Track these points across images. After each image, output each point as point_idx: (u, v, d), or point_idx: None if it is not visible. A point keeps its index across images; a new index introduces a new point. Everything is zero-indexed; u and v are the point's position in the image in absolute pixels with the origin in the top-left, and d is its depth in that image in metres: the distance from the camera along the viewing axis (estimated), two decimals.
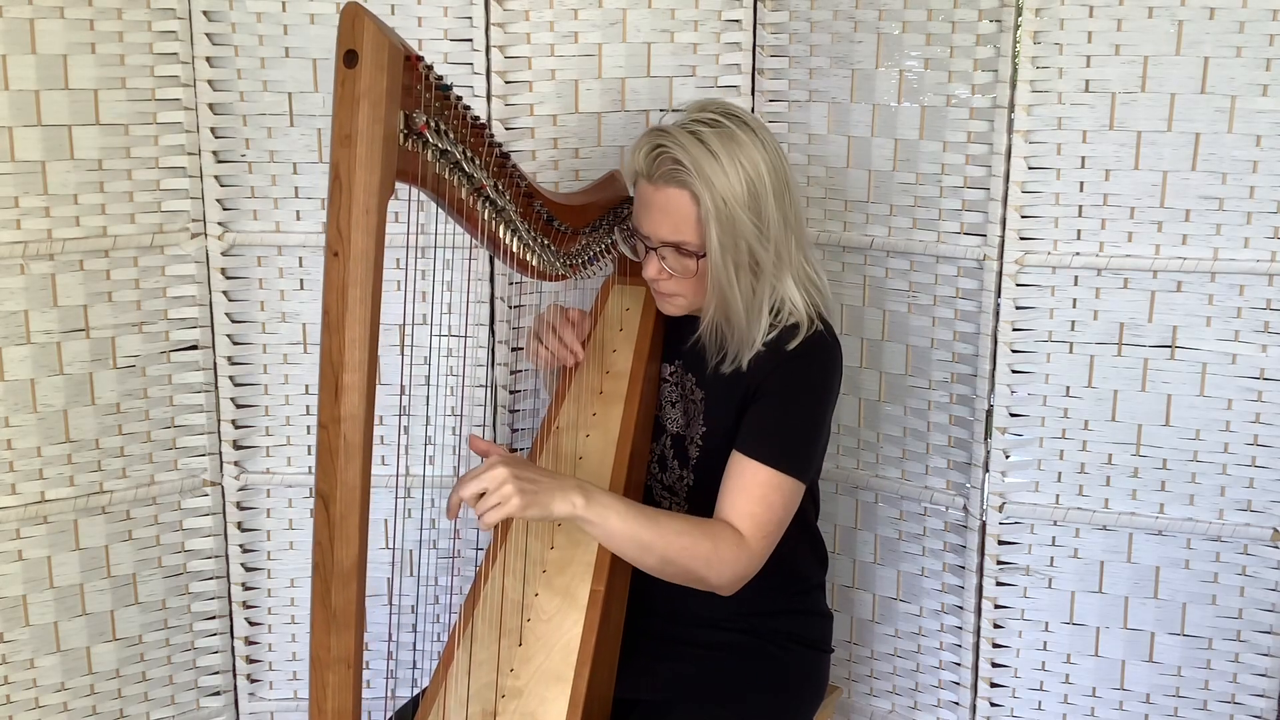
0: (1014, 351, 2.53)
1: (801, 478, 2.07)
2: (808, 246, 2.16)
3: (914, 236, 2.60)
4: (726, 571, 2.00)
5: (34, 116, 2.45)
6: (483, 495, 1.80)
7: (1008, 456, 2.59)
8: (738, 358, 2.11)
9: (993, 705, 2.70)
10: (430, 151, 1.64)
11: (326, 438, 1.53)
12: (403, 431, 2.65)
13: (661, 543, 1.94)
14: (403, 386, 2.64)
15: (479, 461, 1.85)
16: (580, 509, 1.88)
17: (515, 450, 2.72)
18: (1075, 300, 2.50)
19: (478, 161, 1.76)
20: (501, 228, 1.90)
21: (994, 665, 2.69)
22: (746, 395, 2.11)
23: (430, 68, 1.57)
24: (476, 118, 1.73)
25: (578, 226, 2.11)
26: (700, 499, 2.15)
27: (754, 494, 2.03)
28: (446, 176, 1.71)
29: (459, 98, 1.66)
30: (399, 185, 1.59)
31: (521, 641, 1.95)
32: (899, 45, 2.55)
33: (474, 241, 1.90)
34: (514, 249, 1.97)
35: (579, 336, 2.26)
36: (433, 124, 1.61)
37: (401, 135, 1.55)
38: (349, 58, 1.44)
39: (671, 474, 2.25)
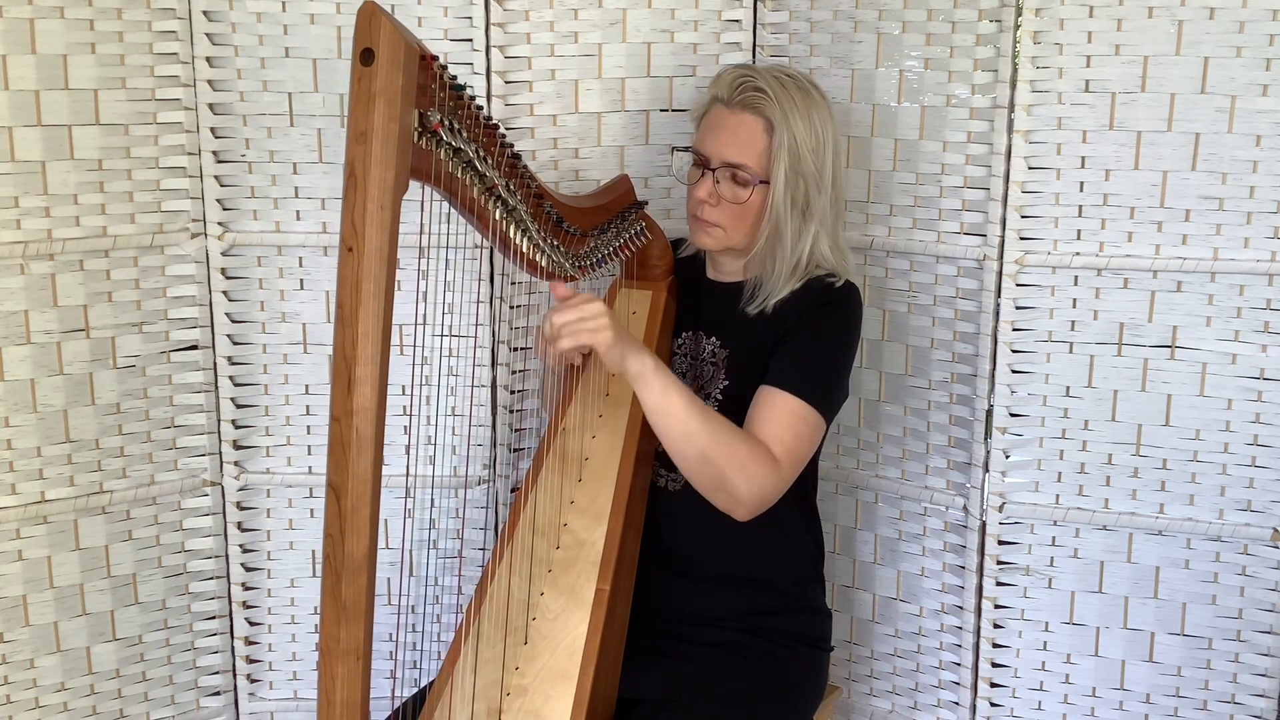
0: (1014, 351, 2.54)
1: (826, 413, 2.13)
2: (843, 224, 2.27)
3: (914, 236, 2.61)
4: (755, 485, 2.04)
5: (34, 116, 2.44)
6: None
7: (1008, 456, 2.59)
8: (765, 300, 2.19)
9: (993, 705, 2.70)
10: (444, 150, 1.65)
11: (339, 430, 1.53)
12: (404, 431, 2.65)
13: (707, 435, 2.00)
14: (403, 387, 2.63)
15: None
16: (650, 370, 1.98)
17: (517, 450, 2.72)
18: (1075, 300, 2.50)
19: (490, 161, 1.77)
20: (512, 228, 1.91)
21: (994, 665, 2.69)
22: (776, 338, 2.17)
23: (444, 67, 1.58)
24: (489, 118, 1.74)
25: (586, 229, 2.12)
26: None
27: (784, 421, 2.08)
28: (459, 175, 1.72)
29: (472, 97, 1.67)
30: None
31: (527, 640, 1.96)
32: (899, 45, 2.56)
33: (475, 241, 1.91)
34: (524, 249, 1.97)
35: None
36: (446, 123, 1.62)
37: (416, 133, 1.56)
38: (365, 56, 1.45)
39: None
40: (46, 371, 2.53)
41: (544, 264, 2.05)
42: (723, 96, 2.18)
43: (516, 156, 1.83)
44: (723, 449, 2.00)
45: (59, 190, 2.49)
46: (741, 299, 2.24)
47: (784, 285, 2.19)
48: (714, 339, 2.26)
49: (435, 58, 1.55)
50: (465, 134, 1.67)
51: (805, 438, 2.09)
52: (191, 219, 2.61)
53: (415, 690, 2.23)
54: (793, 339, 2.15)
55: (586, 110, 2.65)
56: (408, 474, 2.68)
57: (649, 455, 2.23)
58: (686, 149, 2.28)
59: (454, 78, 1.60)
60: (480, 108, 1.70)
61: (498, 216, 1.86)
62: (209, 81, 2.57)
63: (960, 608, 2.69)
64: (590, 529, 2.07)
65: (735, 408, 2.17)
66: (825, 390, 2.13)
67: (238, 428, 2.72)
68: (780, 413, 2.08)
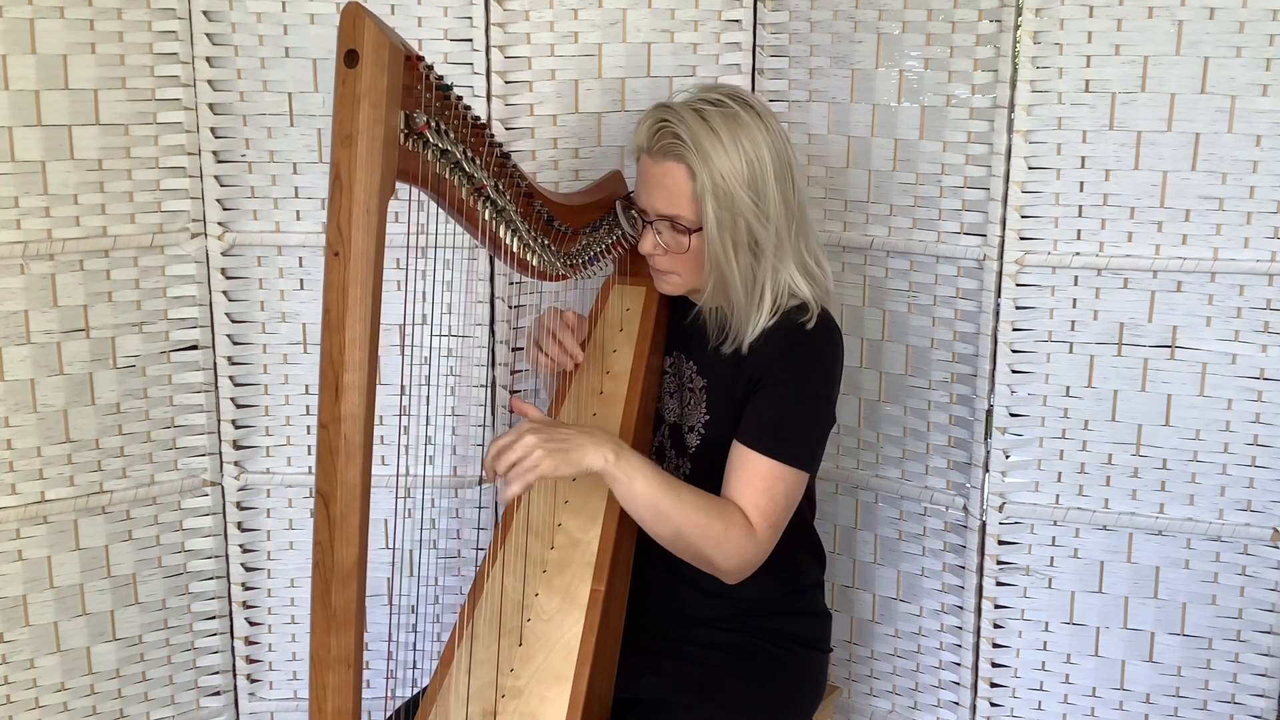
0: (1014, 351, 2.53)
1: (805, 468, 2.08)
2: (812, 236, 2.17)
3: (914, 236, 2.60)
4: (733, 558, 2.01)
5: (34, 116, 2.45)
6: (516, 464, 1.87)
7: (1008, 456, 2.59)
8: (738, 339, 2.13)
9: (993, 705, 2.70)
10: (431, 151, 1.64)
11: (327, 437, 1.53)
12: (402, 431, 2.65)
13: (678, 514, 1.97)
14: (403, 386, 2.63)
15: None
16: (610, 464, 1.93)
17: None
18: (1075, 300, 2.49)
19: (478, 161, 1.76)
20: (502, 228, 1.91)
21: (994, 665, 2.68)
22: (750, 383, 2.12)
23: (430, 67, 1.57)
24: (477, 118, 1.73)
25: (578, 227, 2.11)
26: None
27: (758, 485, 2.04)
28: (447, 176, 1.72)
29: (459, 98, 1.67)
30: (399, 185, 1.60)
31: (522, 641, 1.95)
32: (899, 45, 2.55)
33: (474, 241, 1.91)
34: (514, 249, 1.97)
35: (577, 339, 2.27)
36: (433, 124, 1.61)
37: (402, 135, 1.56)
38: (349, 57, 1.44)
39: (669, 464, 2.26)
40: (46, 371, 2.53)
41: (535, 263, 2.04)
42: (644, 145, 2.09)
43: (505, 156, 1.83)
44: (695, 527, 1.98)
45: (59, 190, 2.49)
46: (713, 333, 2.19)
47: (752, 324, 2.11)
48: (692, 364, 2.23)
49: (421, 58, 1.54)
50: (453, 135, 1.67)
51: (783, 497, 2.06)
52: (191, 219, 2.61)
53: (412, 693, 2.23)
54: (765, 388, 2.09)
55: (586, 110, 2.65)
56: (407, 474, 2.68)
57: (644, 454, 2.23)
58: (629, 195, 2.24)
59: (440, 78, 1.59)
60: (468, 108, 1.70)
61: (487, 217, 1.85)
62: (209, 81, 2.57)
63: (960, 608, 2.69)
64: (585, 529, 2.06)
65: (715, 444, 2.17)
66: (802, 445, 2.09)
67: (238, 428, 2.73)
68: (753, 477, 2.05)
